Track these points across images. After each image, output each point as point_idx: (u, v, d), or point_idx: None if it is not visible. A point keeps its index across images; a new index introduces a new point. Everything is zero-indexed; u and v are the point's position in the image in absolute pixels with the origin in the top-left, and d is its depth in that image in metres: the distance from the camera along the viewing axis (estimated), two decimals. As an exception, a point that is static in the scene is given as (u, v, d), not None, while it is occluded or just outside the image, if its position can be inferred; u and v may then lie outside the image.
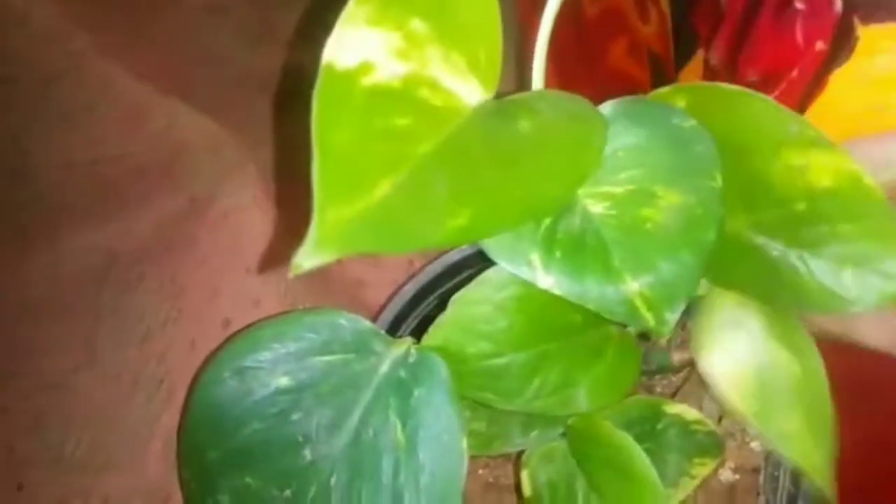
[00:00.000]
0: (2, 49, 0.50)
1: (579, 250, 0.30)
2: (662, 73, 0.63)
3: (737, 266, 0.34)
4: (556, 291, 0.30)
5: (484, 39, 0.29)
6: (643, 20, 0.65)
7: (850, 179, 0.31)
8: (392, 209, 0.24)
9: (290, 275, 0.23)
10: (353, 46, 0.25)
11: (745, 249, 0.34)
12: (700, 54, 0.59)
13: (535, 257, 0.30)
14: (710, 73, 0.56)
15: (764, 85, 0.50)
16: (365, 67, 0.25)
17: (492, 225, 0.27)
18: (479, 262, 0.48)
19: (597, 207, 0.31)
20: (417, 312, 0.48)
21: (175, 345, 0.48)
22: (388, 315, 0.47)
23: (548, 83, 0.34)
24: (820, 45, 0.45)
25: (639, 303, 0.30)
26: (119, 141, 0.51)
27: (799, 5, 0.47)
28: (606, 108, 0.33)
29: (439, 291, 0.49)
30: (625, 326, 0.39)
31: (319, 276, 0.54)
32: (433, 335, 0.33)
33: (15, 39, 0.50)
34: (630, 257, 0.30)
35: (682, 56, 0.61)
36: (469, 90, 0.28)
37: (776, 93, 0.49)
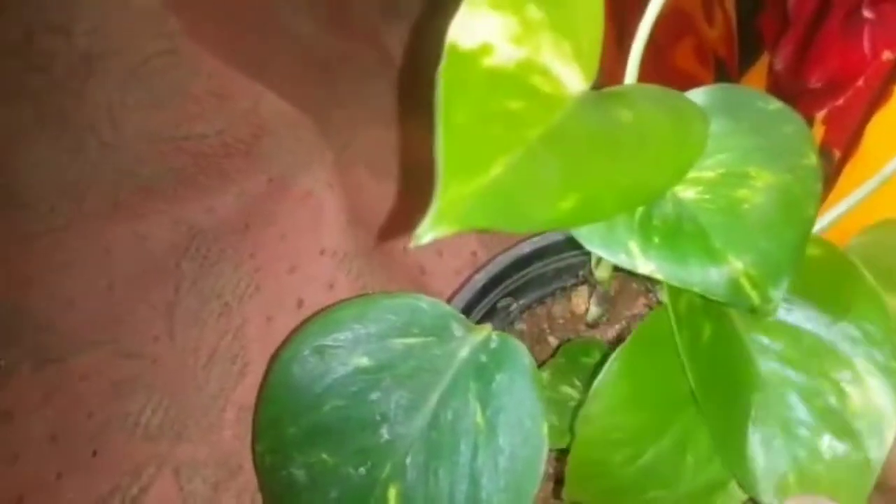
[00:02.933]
0: (103, 27, 0.52)
1: (678, 235, 0.30)
2: (727, 76, 0.63)
3: None
4: (658, 276, 0.30)
5: (588, 28, 0.29)
6: (709, 22, 0.65)
7: None
8: (506, 189, 0.25)
9: (410, 245, 0.23)
10: (476, 27, 0.26)
11: None
12: (765, 58, 0.59)
13: (633, 244, 0.30)
14: (775, 78, 0.56)
15: (828, 92, 0.50)
16: (485, 49, 0.26)
17: (598, 210, 0.27)
18: (548, 255, 0.49)
19: (688, 193, 0.31)
20: (485, 302, 0.49)
21: (251, 320, 0.49)
22: (459, 303, 0.47)
23: (616, 81, 0.34)
24: (887, 55, 0.45)
25: (744, 282, 0.30)
26: (205, 120, 0.53)
27: (867, 14, 0.46)
28: (690, 97, 0.34)
29: (507, 282, 0.50)
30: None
31: (387, 263, 0.54)
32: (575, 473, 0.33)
33: (115, 19, 0.52)
34: (731, 237, 0.30)
35: (747, 59, 0.61)
36: (572, 78, 0.29)
37: (841, 101, 0.49)
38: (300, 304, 0.50)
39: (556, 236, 0.49)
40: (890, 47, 0.45)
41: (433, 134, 0.24)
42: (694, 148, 0.30)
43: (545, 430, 0.32)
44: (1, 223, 0.54)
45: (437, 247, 0.58)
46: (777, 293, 0.30)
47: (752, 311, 0.31)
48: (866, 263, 0.36)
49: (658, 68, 0.69)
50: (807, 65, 0.51)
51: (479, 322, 0.42)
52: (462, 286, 0.48)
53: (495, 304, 0.49)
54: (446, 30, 0.25)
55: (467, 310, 0.48)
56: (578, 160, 0.27)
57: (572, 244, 0.47)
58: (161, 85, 0.52)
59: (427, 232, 0.23)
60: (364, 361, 0.36)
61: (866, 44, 0.47)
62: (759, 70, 0.60)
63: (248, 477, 0.46)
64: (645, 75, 0.34)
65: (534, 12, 0.27)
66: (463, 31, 0.25)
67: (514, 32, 0.26)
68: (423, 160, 0.24)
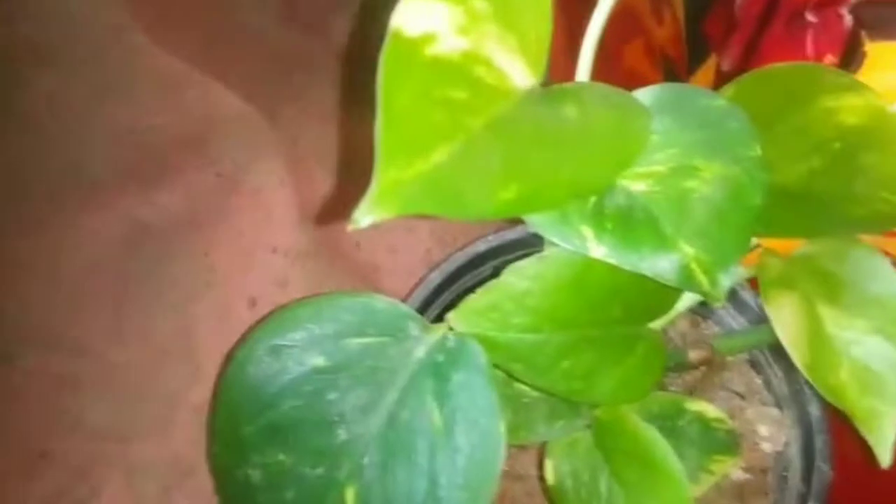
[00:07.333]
0: (45, 22, 0.50)
1: (630, 222, 0.31)
2: (675, 76, 0.64)
3: (789, 215, 0.36)
4: (610, 261, 0.31)
5: (536, 24, 0.30)
6: (658, 23, 0.66)
7: (874, 115, 0.35)
8: (447, 175, 0.25)
9: (349, 229, 0.23)
10: (421, 16, 0.26)
11: (795, 198, 0.36)
12: (712, 59, 0.60)
13: (587, 230, 0.31)
14: (722, 78, 0.57)
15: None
16: (429, 38, 0.26)
17: (539, 201, 0.28)
18: (503, 253, 0.50)
19: (638, 186, 0.32)
20: (441, 301, 0.49)
21: (202, 319, 0.48)
22: (414, 302, 0.48)
23: (565, 80, 0.35)
24: (829, 58, 0.46)
25: (694, 266, 0.31)
26: (153, 114, 0.51)
27: (810, 18, 0.48)
28: (637, 96, 0.34)
29: (462, 281, 0.50)
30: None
31: (339, 260, 0.54)
32: (481, 297, 0.33)
33: (57, 13, 0.50)
34: (681, 225, 0.32)
35: (695, 60, 0.62)
36: (518, 72, 0.29)
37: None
38: (253, 302, 0.49)
39: (512, 235, 0.50)
40: (832, 51, 0.46)
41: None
42: (635, 143, 0.31)
43: (502, 428, 0.32)
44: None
45: (390, 244, 0.58)
46: (725, 279, 0.32)
47: (703, 295, 0.32)
48: (809, 273, 0.37)
49: (608, 68, 0.70)
50: (753, 66, 0.52)
51: (435, 321, 0.42)
52: (417, 285, 0.48)
53: (451, 302, 0.49)
54: (390, 19, 0.25)
55: (423, 308, 0.48)
56: (521, 151, 0.27)
57: (527, 242, 0.48)
58: (107, 79, 0.50)
59: (365, 214, 0.23)
60: (320, 361, 0.36)
61: (809, 47, 0.48)
62: (707, 70, 0.61)
63: (202, 479, 0.45)
64: (595, 75, 0.35)
65: (479, 4, 0.27)
66: (408, 18, 0.25)
67: (459, 22, 0.27)
68: (371, 153, 0.24)
